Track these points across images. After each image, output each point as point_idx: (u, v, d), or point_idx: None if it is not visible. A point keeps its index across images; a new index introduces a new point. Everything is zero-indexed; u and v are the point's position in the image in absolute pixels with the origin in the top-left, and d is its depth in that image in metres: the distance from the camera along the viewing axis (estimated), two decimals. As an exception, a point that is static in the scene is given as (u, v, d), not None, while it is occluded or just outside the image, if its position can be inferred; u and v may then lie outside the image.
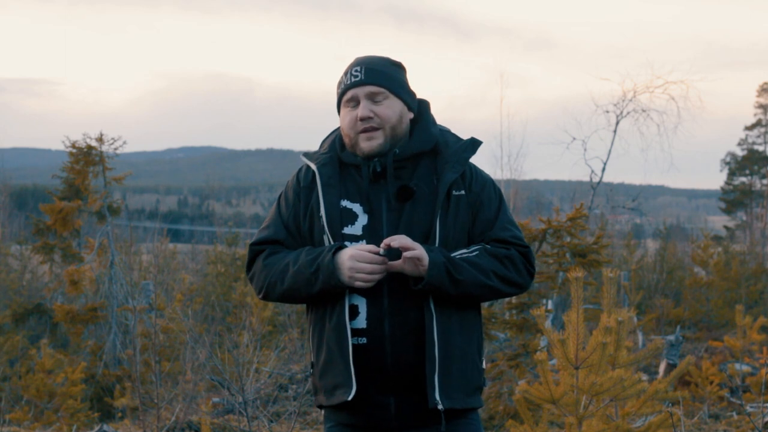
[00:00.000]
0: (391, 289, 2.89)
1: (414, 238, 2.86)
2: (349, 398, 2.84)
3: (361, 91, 2.97)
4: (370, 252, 2.83)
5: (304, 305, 3.18)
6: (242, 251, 20.56)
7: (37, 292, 19.78)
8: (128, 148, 17.13)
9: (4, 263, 21.76)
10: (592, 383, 4.68)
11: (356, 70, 2.99)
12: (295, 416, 7.85)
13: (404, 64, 3.11)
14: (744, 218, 40.17)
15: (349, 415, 2.95)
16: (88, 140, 14.17)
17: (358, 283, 2.83)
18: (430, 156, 3.01)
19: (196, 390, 9.79)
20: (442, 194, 2.93)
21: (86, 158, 14.20)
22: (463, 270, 2.88)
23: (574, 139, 19.89)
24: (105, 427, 8.20)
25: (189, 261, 28.33)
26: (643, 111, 20.67)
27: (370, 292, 2.88)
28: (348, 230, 2.94)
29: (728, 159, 41.32)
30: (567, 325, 4.67)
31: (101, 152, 14.17)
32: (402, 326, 2.88)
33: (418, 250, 2.82)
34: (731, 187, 40.79)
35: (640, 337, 13.93)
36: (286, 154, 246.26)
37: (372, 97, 2.96)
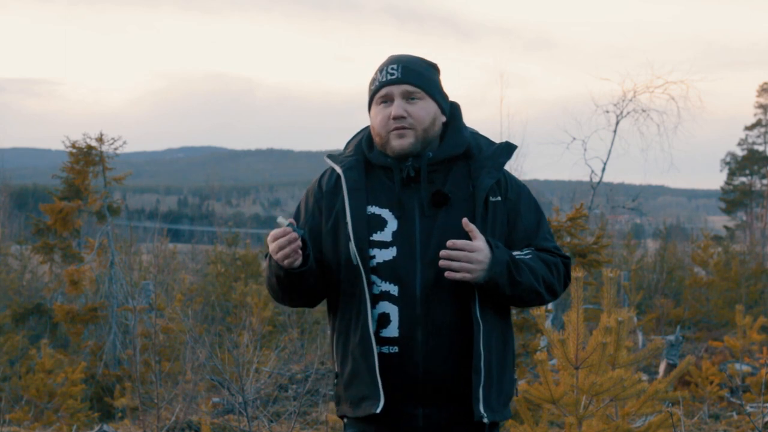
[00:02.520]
0: (424, 296, 2.79)
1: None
2: (377, 411, 2.76)
3: (396, 89, 2.87)
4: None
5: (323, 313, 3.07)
6: (242, 251, 20.57)
7: (37, 292, 19.78)
8: (128, 148, 17.15)
9: (4, 263, 21.76)
10: (592, 383, 4.68)
11: (393, 68, 2.89)
12: (295, 416, 7.85)
13: (439, 65, 3.00)
14: (744, 218, 40.20)
15: (374, 426, 2.85)
16: (88, 140, 14.18)
17: (285, 262, 2.72)
18: (462, 160, 2.91)
19: (196, 390, 9.78)
20: (480, 200, 2.84)
21: (86, 158, 14.20)
22: (523, 272, 2.79)
23: (574, 139, 19.87)
24: (105, 427, 8.20)
25: (189, 261, 28.34)
26: (643, 111, 20.66)
27: (402, 299, 2.79)
28: (377, 237, 2.83)
29: (728, 159, 41.36)
30: (567, 325, 4.67)
31: (101, 152, 14.18)
32: (435, 335, 2.79)
33: (479, 241, 2.74)
34: (731, 187, 40.83)
35: (640, 337, 13.93)
36: (286, 154, 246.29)
37: (407, 96, 2.87)
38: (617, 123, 20.27)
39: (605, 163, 19.70)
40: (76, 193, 16.08)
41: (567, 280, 2.99)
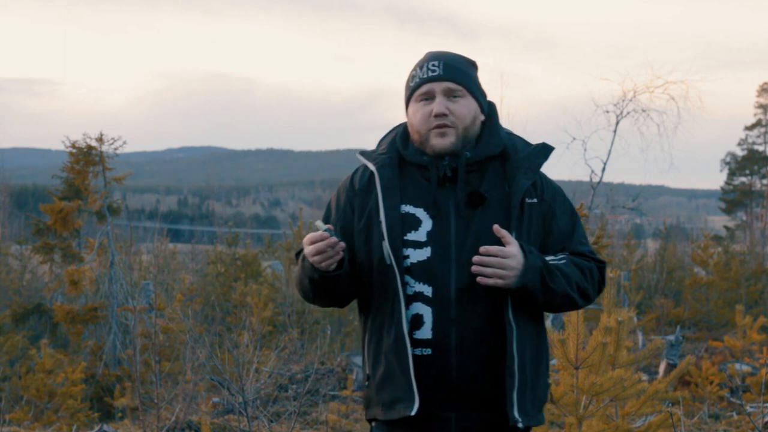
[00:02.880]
0: (459, 298, 2.74)
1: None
2: (412, 413, 2.69)
3: (438, 86, 2.81)
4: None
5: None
6: (242, 251, 20.58)
7: (37, 292, 19.80)
8: (128, 148, 17.17)
9: (4, 263, 21.78)
10: (592, 383, 4.68)
11: (434, 65, 2.83)
12: (295, 416, 7.85)
13: (478, 63, 2.94)
14: (744, 218, 40.22)
15: (405, 430, 2.78)
16: (88, 140, 14.20)
17: (321, 265, 2.70)
18: (498, 161, 2.86)
19: (196, 390, 9.78)
20: (516, 201, 2.78)
21: (86, 158, 14.22)
22: (556, 278, 2.75)
23: (574, 139, 19.83)
24: (105, 427, 8.20)
25: (189, 261, 28.33)
26: (643, 111, 20.62)
27: (436, 301, 2.74)
28: (411, 236, 2.77)
29: (728, 159, 41.39)
30: (567, 325, 4.68)
31: (101, 152, 14.19)
32: (469, 337, 2.73)
33: (512, 247, 2.69)
34: (731, 187, 40.85)
35: (640, 337, 13.92)
36: (286, 154, 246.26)
37: (449, 94, 2.81)
38: (617, 123, 20.25)
39: (605, 163, 19.70)
40: (76, 193, 16.10)
41: (602, 285, 2.93)
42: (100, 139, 14.13)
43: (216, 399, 10.39)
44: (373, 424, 2.90)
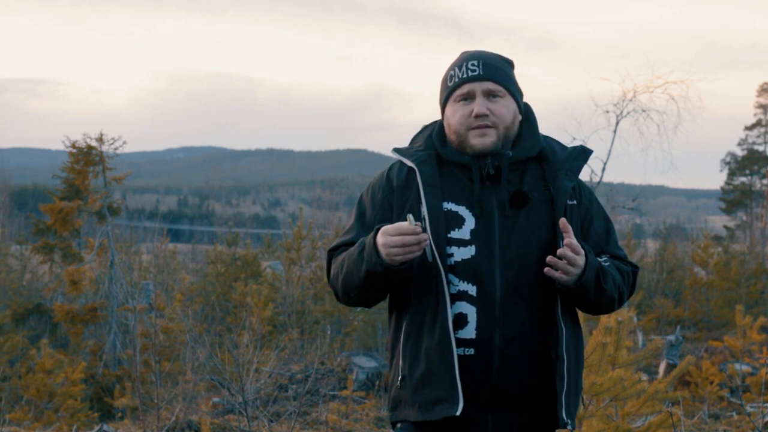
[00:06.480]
0: (504, 298, 2.70)
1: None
2: (457, 413, 2.64)
3: (478, 87, 2.78)
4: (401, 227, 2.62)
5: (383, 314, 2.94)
6: (242, 251, 20.57)
7: (37, 292, 19.80)
8: (128, 148, 17.19)
9: (4, 263, 21.77)
10: (592, 383, 4.68)
11: (473, 64, 2.80)
12: (295, 416, 7.85)
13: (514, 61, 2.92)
14: (744, 218, 40.21)
15: None
16: (88, 140, 14.22)
17: (396, 258, 2.60)
18: (536, 162, 2.84)
19: (196, 390, 9.78)
20: (561, 202, 2.76)
21: (86, 158, 14.24)
22: (608, 279, 2.74)
23: (574, 139, 19.81)
24: (105, 427, 8.20)
25: (189, 261, 28.35)
26: (643, 111, 20.63)
27: (481, 300, 2.70)
28: (454, 234, 2.73)
29: (728, 159, 41.36)
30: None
31: (101, 152, 14.21)
32: (513, 338, 2.70)
33: (577, 246, 2.66)
34: (731, 187, 40.83)
35: (640, 337, 13.92)
36: (286, 154, 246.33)
37: (489, 94, 2.78)
38: (617, 123, 20.26)
39: (605, 163, 19.73)
40: (76, 193, 16.10)
41: (633, 289, 2.94)
42: (100, 139, 14.14)
43: (216, 399, 10.38)
44: (399, 425, 2.82)
